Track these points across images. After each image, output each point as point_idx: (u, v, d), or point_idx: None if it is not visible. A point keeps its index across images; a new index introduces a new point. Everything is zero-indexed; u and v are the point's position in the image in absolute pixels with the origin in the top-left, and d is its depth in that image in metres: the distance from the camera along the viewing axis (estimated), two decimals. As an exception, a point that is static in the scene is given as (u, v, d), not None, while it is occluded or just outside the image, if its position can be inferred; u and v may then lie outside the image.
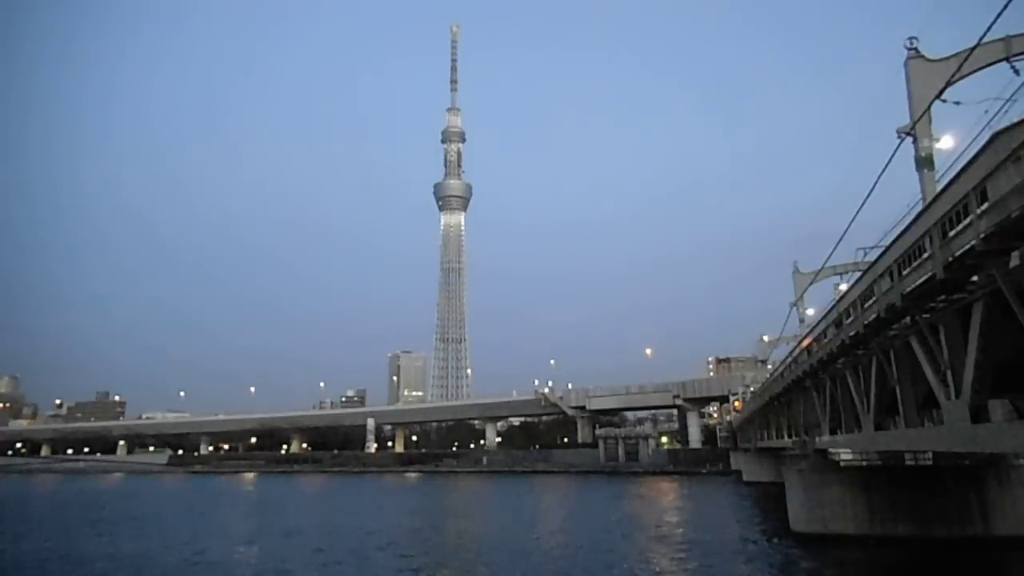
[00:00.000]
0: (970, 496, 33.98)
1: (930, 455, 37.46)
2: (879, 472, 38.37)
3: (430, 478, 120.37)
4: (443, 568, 33.35)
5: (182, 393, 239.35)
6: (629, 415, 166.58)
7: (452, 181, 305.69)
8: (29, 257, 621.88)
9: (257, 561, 34.15)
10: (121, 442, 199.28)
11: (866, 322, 21.28)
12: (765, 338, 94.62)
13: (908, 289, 16.97)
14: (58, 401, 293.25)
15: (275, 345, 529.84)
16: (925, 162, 23.85)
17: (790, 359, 43.39)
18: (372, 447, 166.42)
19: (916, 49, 24.46)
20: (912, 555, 32.27)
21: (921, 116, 23.31)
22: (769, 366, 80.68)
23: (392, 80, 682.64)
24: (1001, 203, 11.73)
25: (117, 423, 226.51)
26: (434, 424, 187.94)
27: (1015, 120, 11.98)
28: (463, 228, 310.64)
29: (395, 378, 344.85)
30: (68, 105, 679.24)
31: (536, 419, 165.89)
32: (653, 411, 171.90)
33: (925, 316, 18.13)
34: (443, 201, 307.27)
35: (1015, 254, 13.00)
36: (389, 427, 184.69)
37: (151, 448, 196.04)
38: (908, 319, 19.41)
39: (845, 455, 41.97)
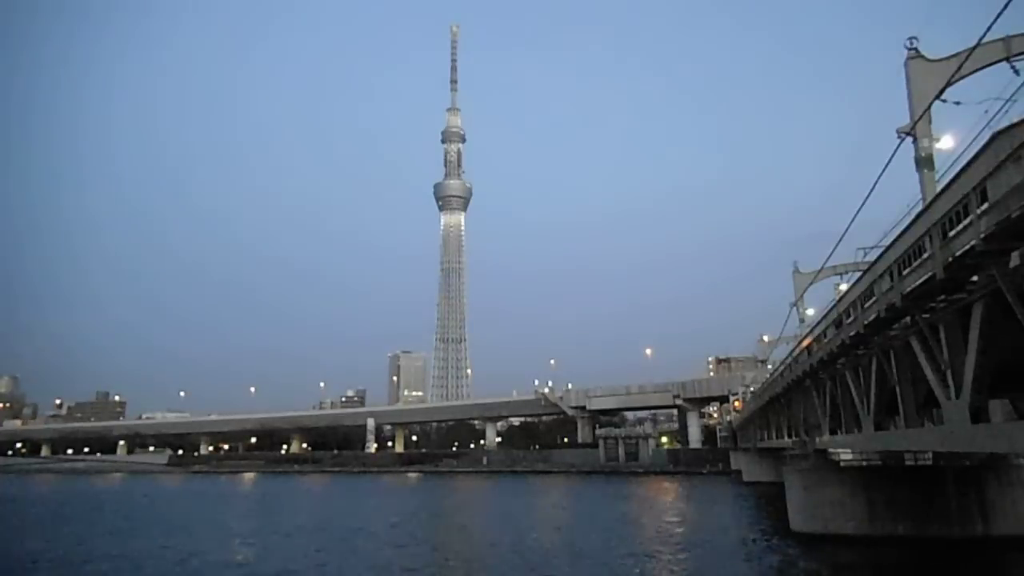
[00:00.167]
0: (970, 496, 33.98)
1: (930, 455, 37.45)
2: (879, 472, 38.36)
3: (430, 478, 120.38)
4: (444, 568, 33.36)
5: (182, 393, 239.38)
6: (629, 415, 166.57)
7: (452, 181, 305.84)
8: (29, 257, 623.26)
9: (257, 561, 34.12)
10: (121, 442, 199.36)
11: (866, 322, 21.28)
12: (765, 338, 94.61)
13: (908, 289, 16.97)
14: (58, 401, 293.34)
15: (275, 345, 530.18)
16: (925, 162, 23.83)
17: (790, 359, 43.37)
18: (372, 447, 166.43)
19: (916, 49, 24.44)
20: (912, 555, 32.25)
21: (921, 116, 23.29)
22: (769, 366, 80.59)
23: (392, 80, 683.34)
24: (1001, 203, 11.73)
25: (117, 423, 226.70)
26: (434, 424, 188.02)
27: (1015, 120, 11.98)
28: (463, 228, 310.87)
29: (395, 378, 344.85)
30: (69, 104, 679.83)
31: (536, 419, 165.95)
32: (653, 411, 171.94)
33: (925, 316, 18.13)
34: (443, 201, 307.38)
35: (1015, 254, 13.00)
36: (389, 427, 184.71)
37: (151, 448, 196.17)
38: (908, 319, 19.41)
39: (845, 455, 41.96)
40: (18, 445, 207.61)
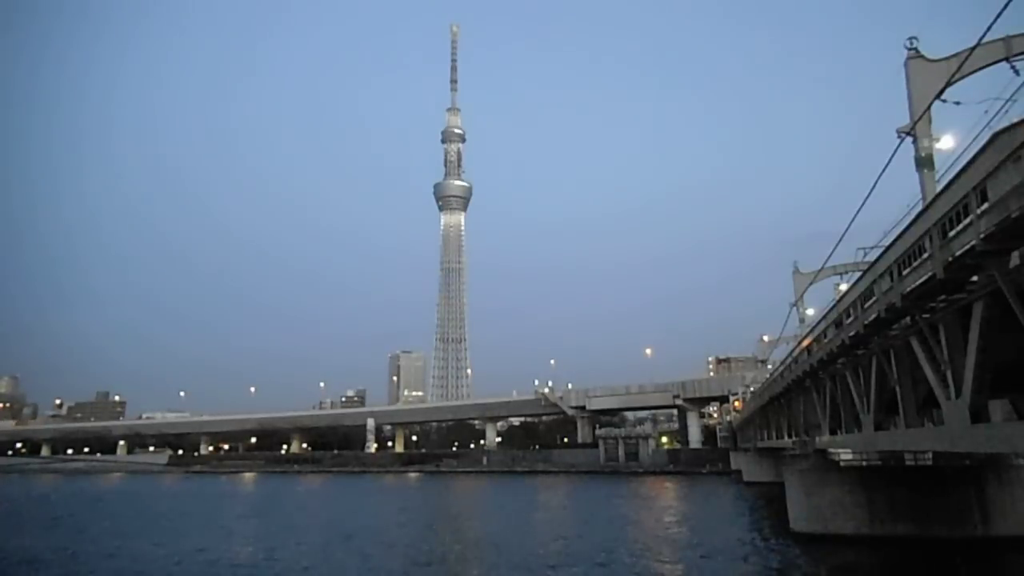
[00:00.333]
0: (970, 496, 33.97)
1: (930, 455, 37.47)
2: (879, 472, 38.38)
3: (430, 478, 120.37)
4: (444, 568, 33.36)
5: (182, 393, 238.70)
6: (629, 415, 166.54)
7: (452, 181, 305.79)
8: (29, 257, 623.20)
9: (257, 561, 34.11)
10: (121, 442, 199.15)
11: (866, 322, 21.28)
12: (765, 338, 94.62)
13: (908, 289, 16.97)
14: (58, 401, 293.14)
15: (275, 345, 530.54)
16: (925, 162, 23.83)
17: (790, 359, 43.38)
18: (372, 447, 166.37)
19: (916, 49, 24.45)
20: (912, 555, 32.26)
21: (921, 116, 23.29)
22: (769, 366, 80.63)
23: (393, 80, 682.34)
24: (1001, 203, 11.73)
25: (117, 423, 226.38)
26: (434, 424, 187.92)
27: (1015, 120, 11.98)
28: (463, 228, 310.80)
29: (395, 378, 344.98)
30: (69, 103, 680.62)
31: (536, 419, 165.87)
32: (653, 411, 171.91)
33: (925, 316, 18.13)
34: (443, 201, 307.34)
35: (1015, 254, 13.01)
36: (389, 427, 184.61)
37: (151, 448, 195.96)
38: (908, 319, 19.42)
39: (845, 455, 41.99)
40: (18, 445, 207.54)
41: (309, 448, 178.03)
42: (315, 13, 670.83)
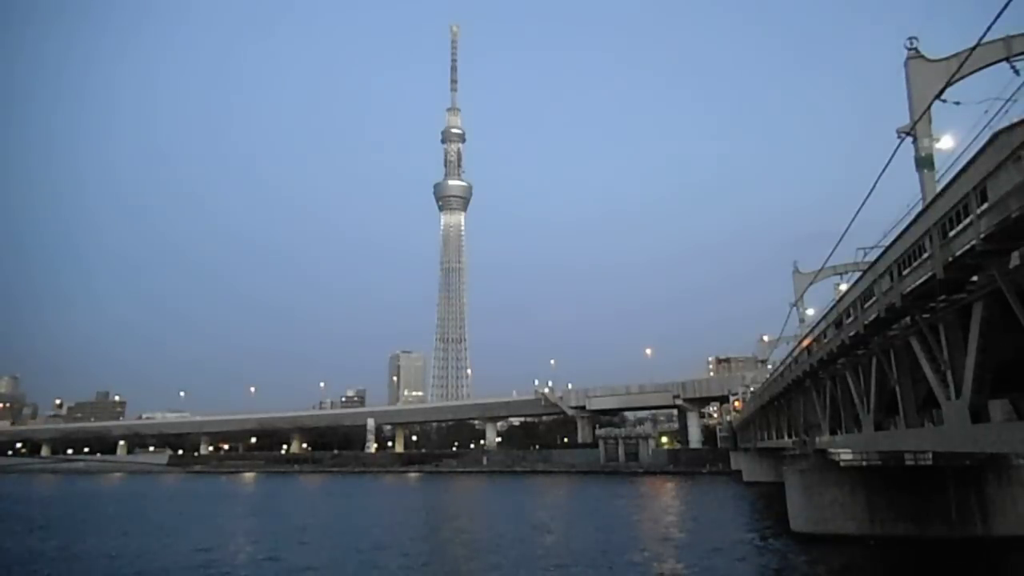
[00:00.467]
0: (970, 496, 33.96)
1: (930, 455, 37.44)
2: (879, 472, 38.35)
3: (430, 478, 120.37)
4: (444, 567, 33.36)
5: (182, 393, 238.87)
6: (629, 415, 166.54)
7: (452, 181, 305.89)
8: (29, 257, 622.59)
9: (258, 561, 34.12)
10: (121, 442, 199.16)
11: (866, 322, 21.27)
12: (765, 338, 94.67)
13: (908, 289, 16.96)
14: (58, 401, 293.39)
15: (275, 345, 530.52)
16: (925, 162, 23.83)
17: (790, 359, 43.38)
18: (372, 447, 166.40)
19: (916, 49, 24.45)
20: (912, 555, 32.26)
21: (921, 116, 23.29)
22: (769, 366, 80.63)
23: (393, 80, 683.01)
24: (1001, 203, 11.73)
25: (117, 423, 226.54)
26: (434, 424, 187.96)
27: (1015, 120, 11.98)
28: (463, 228, 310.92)
29: (395, 378, 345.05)
30: (69, 103, 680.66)
31: (536, 419, 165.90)
32: (653, 411, 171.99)
33: (925, 316, 18.12)
34: (443, 201, 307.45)
35: (1015, 254, 13.00)
36: (389, 427, 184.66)
37: (151, 448, 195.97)
38: (908, 319, 19.41)
39: (845, 455, 41.92)
40: (18, 445, 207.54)
41: (309, 448, 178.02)
42: (315, 14, 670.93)
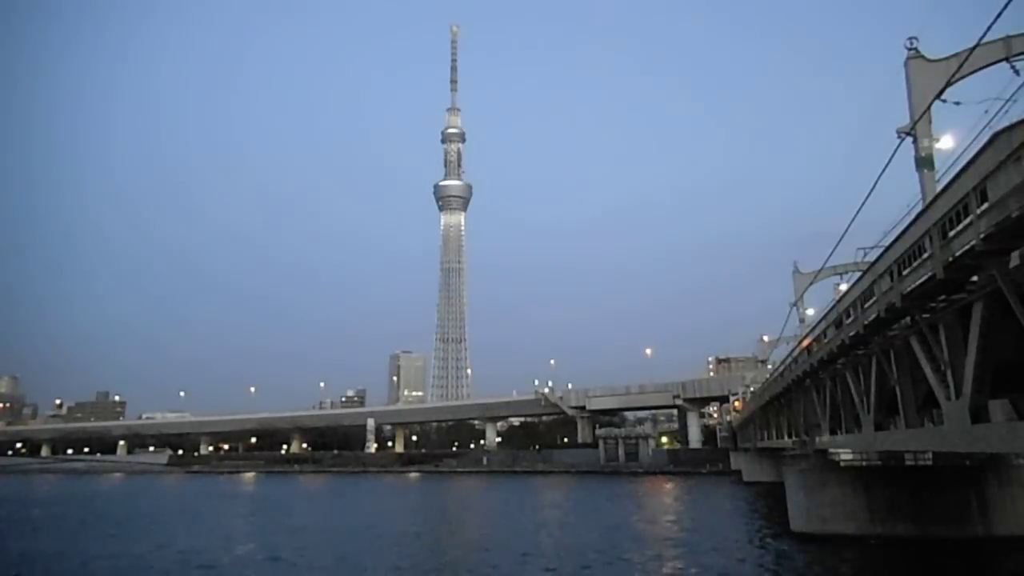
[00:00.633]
0: (970, 496, 33.97)
1: (930, 455, 37.45)
2: (879, 472, 38.36)
3: (430, 478, 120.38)
4: (444, 567, 33.34)
5: (182, 393, 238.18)
6: (629, 415, 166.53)
7: (452, 181, 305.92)
8: (29, 257, 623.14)
9: (257, 561, 34.14)
10: (121, 442, 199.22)
11: (866, 322, 21.27)
12: (765, 338, 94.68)
13: (908, 289, 16.96)
14: (58, 401, 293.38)
15: (275, 345, 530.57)
16: (925, 162, 23.83)
17: (790, 359, 43.38)
18: (372, 447, 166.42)
19: (916, 49, 24.45)
20: (912, 555, 32.26)
21: (921, 116, 23.29)
22: (769, 366, 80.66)
23: (392, 80, 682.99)
24: (1001, 203, 11.73)
25: (117, 423, 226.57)
26: (434, 424, 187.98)
27: (1015, 120, 11.97)
28: (463, 228, 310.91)
29: (395, 378, 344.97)
30: (69, 103, 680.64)
31: (536, 419, 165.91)
32: (653, 411, 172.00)
33: (925, 316, 18.12)
34: (443, 201, 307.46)
35: (1015, 254, 12.99)
36: (389, 427, 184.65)
37: (151, 448, 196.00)
38: (908, 319, 19.41)
39: (845, 455, 41.93)
40: (18, 445, 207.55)
41: (309, 448, 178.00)
42: (315, 13, 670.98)
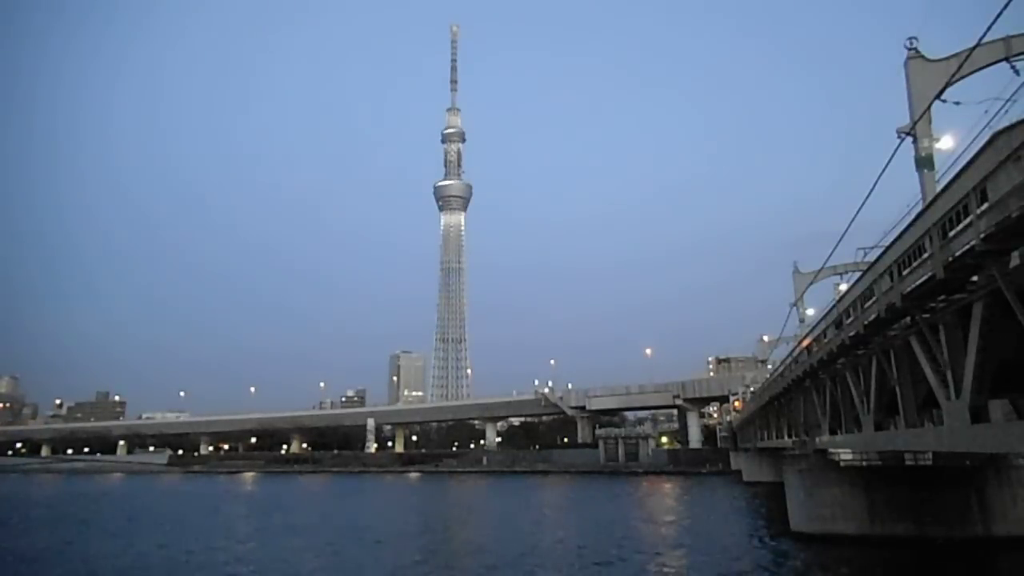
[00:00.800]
0: (970, 496, 33.96)
1: (930, 455, 37.44)
2: (879, 472, 38.34)
3: (430, 478, 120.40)
4: (445, 567, 33.35)
5: (182, 393, 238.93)
6: (629, 415, 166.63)
7: (452, 181, 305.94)
8: (29, 256, 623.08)
9: (258, 561, 34.12)
10: (121, 442, 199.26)
11: (866, 322, 21.27)
12: (765, 338, 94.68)
13: (908, 289, 16.96)
14: (58, 401, 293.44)
15: (275, 345, 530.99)
16: (925, 162, 23.83)
17: (790, 359, 43.37)
18: (372, 447, 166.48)
19: (916, 49, 24.45)
20: (912, 555, 32.26)
21: (921, 116, 23.29)
22: (769, 366, 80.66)
23: (393, 80, 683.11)
24: (1001, 203, 11.73)
25: (117, 423, 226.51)
26: (434, 424, 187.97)
27: (1015, 120, 11.97)
28: (463, 228, 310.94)
29: (395, 378, 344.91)
30: (71, 102, 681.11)
31: (536, 419, 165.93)
32: (653, 411, 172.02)
33: (925, 316, 18.12)
34: (443, 201, 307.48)
35: (1015, 254, 13.00)
36: (389, 427, 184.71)
37: (151, 448, 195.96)
38: (908, 319, 19.40)
39: (845, 455, 41.91)
40: (18, 445, 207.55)
41: (309, 448, 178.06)
42: (316, 14, 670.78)
